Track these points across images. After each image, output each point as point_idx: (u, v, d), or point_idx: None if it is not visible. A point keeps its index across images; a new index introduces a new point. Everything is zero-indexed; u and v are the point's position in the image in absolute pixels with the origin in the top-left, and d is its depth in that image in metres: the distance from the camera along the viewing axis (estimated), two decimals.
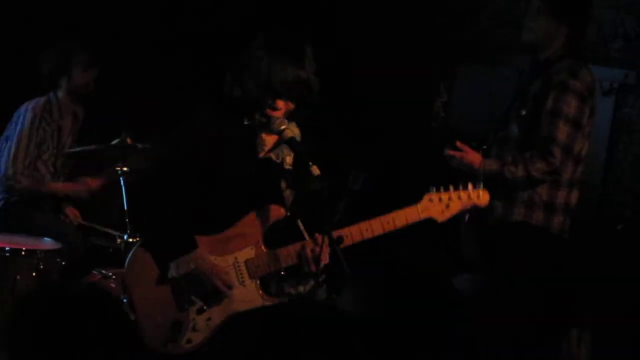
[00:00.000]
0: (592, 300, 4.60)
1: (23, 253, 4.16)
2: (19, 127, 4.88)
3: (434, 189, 3.39)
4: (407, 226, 3.33)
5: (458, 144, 3.96)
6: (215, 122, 3.28)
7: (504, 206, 3.94)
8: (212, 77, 3.55)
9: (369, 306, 5.07)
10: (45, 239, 4.46)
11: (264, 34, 3.26)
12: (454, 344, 4.53)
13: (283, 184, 3.39)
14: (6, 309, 4.07)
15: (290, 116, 3.29)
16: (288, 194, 3.41)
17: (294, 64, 3.18)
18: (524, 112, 3.94)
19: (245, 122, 3.29)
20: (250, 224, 3.29)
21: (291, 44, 3.23)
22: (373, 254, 3.81)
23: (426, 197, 3.37)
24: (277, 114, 3.24)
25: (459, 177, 3.50)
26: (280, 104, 3.23)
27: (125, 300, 3.26)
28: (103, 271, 4.24)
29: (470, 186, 3.43)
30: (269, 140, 3.35)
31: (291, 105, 3.27)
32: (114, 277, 4.16)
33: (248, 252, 3.29)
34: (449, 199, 3.39)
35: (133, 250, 3.32)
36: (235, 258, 3.28)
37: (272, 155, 3.35)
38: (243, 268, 3.28)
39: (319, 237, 3.19)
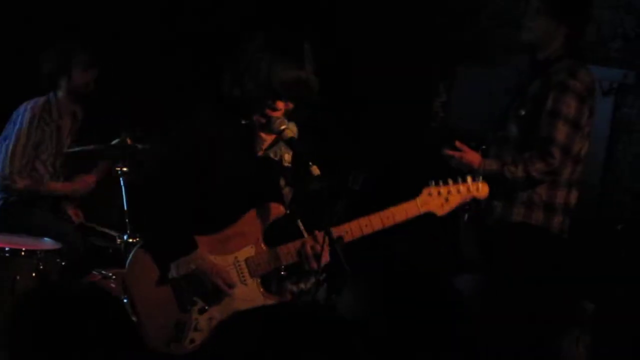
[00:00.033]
0: (591, 300, 4.60)
1: (23, 253, 4.15)
2: (17, 126, 4.87)
3: (433, 183, 3.37)
4: (407, 221, 3.31)
5: (457, 143, 3.96)
6: (214, 122, 3.27)
7: (504, 206, 3.94)
8: (212, 77, 3.54)
9: (369, 306, 5.07)
10: (45, 239, 4.45)
11: (263, 34, 3.25)
12: (454, 344, 4.53)
13: (282, 182, 3.39)
14: (6, 309, 4.06)
15: (289, 116, 3.28)
16: (287, 191, 3.40)
17: (294, 64, 3.18)
18: (523, 112, 3.94)
19: (243, 122, 3.29)
20: (250, 222, 3.29)
21: (291, 44, 3.22)
22: (372, 252, 3.80)
23: (425, 191, 3.35)
24: (277, 114, 3.23)
25: (458, 177, 3.49)
26: (280, 104, 3.23)
27: (125, 301, 3.26)
28: (103, 271, 4.23)
29: (469, 179, 3.42)
30: (268, 139, 3.35)
31: (291, 105, 3.27)
32: (114, 277, 4.14)
33: (248, 251, 3.28)
34: (448, 192, 3.37)
35: (133, 251, 3.32)
36: (236, 257, 3.28)
37: (270, 153, 3.35)
38: (244, 267, 3.28)
39: (319, 234, 3.18)
